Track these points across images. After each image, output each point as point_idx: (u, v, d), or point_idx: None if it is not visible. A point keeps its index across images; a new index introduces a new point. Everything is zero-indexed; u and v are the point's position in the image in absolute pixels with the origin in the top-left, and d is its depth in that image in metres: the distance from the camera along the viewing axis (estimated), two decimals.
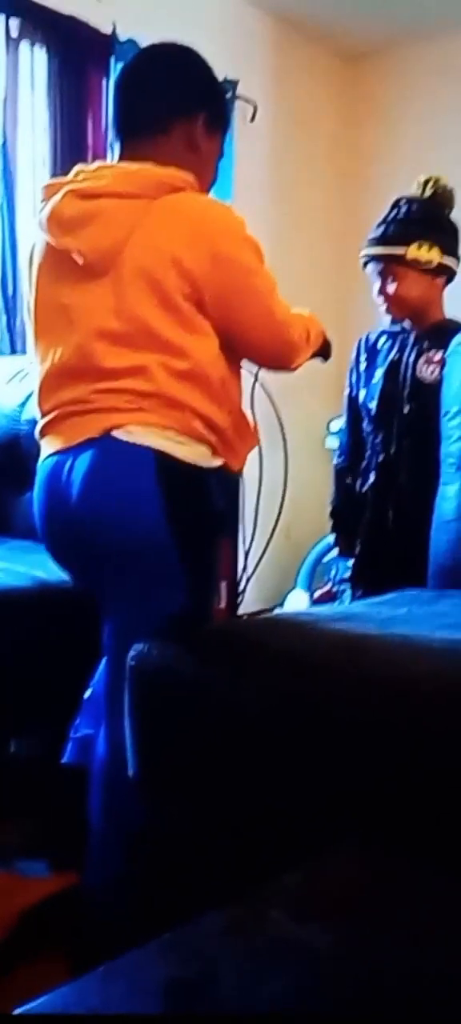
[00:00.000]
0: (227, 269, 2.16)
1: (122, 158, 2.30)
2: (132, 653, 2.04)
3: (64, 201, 2.19)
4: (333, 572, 5.44)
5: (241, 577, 2.65)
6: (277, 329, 2.29)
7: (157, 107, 2.28)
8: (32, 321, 2.33)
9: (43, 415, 2.30)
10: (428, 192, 3.20)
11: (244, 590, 2.67)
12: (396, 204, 3.21)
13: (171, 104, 2.29)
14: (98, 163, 2.37)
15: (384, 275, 3.19)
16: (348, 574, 3.51)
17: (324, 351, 2.49)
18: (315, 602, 5.49)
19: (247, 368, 2.41)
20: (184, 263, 2.12)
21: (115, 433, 2.14)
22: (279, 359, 2.37)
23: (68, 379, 2.21)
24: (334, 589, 5.36)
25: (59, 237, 2.20)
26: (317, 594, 5.56)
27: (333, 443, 5.38)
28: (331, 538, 3.73)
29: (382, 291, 3.20)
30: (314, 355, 2.50)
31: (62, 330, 2.22)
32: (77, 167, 2.34)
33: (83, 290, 2.19)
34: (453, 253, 3.20)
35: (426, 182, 3.21)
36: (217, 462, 2.24)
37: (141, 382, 2.13)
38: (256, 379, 2.57)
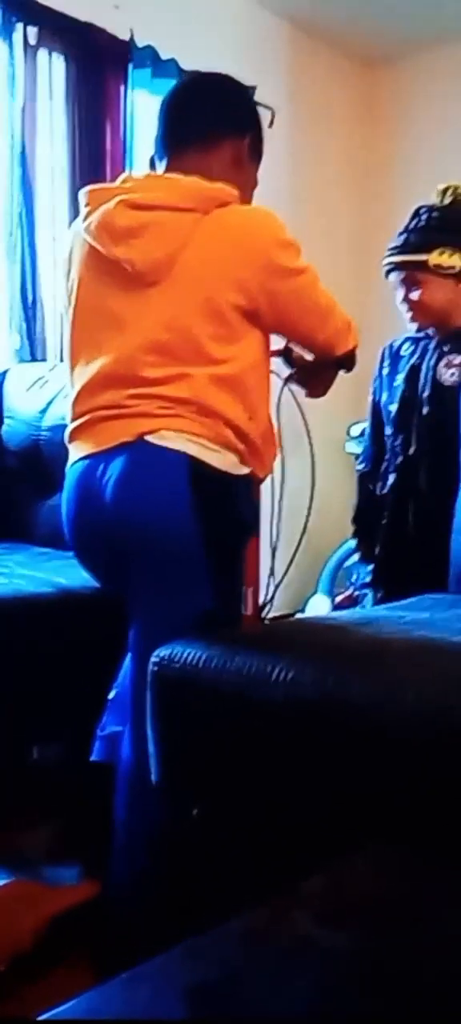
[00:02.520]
0: (279, 276, 2.25)
1: (169, 171, 2.35)
2: (154, 658, 2.04)
3: (116, 210, 2.23)
4: (354, 577, 5.43)
5: (269, 584, 2.66)
6: (322, 318, 2.38)
7: (210, 121, 2.37)
8: (70, 325, 2.37)
9: (74, 418, 2.33)
10: (447, 199, 3.21)
11: (273, 597, 2.68)
12: (416, 213, 3.22)
13: (223, 120, 2.39)
14: (147, 172, 2.45)
15: (407, 283, 3.20)
16: (369, 578, 3.51)
17: (348, 361, 2.50)
18: (336, 607, 5.48)
19: (277, 371, 2.51)
20: (238, 277, 2.20)
21: (149, 438, 2.18)
22: (326, 346, 2.43)
23: (107, 385, 2.24)
24: (355, 593, 5.36)
25: (110, 247, 2.24)
26: (338, 599, 5.55)
27: (353, 447, 5.38)
28: (352, 543, 3.73)
29: (406, 299, 3.21)
30: (339, 365, 2.50)
31: (108, 337, 2.25)
32: (124, 175, 2.42)
33: (132, 299, 2.23)
34: None
35: (445, 190, 3.22)
36: (245, 470, 2.28)
37: (176, 388, 2.18)
38: (286, 384, 2.59)
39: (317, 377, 2.56)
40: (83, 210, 2.32)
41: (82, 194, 2.35)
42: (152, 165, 2.43)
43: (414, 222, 3.20)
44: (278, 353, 2.53)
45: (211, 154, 2.34)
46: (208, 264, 2.20)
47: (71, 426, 2.34)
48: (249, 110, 2.50)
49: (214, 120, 2.37)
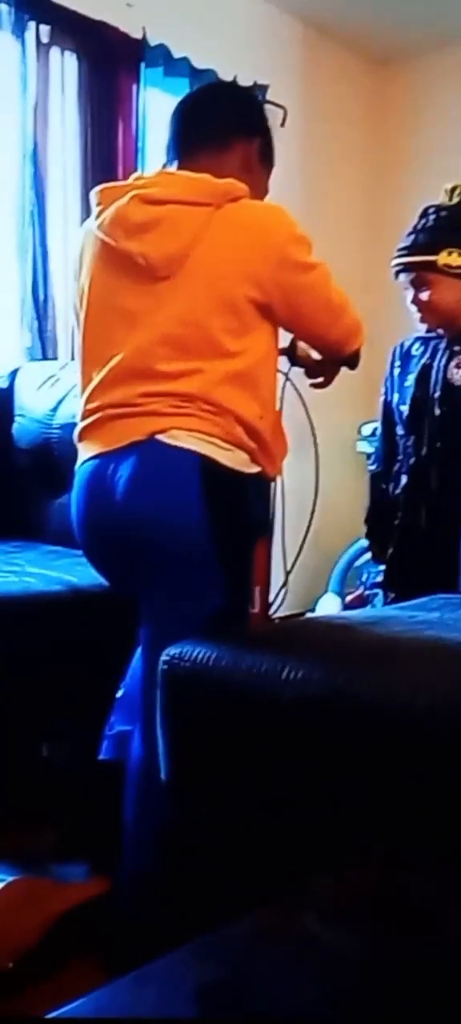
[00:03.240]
0: (292, 271, 2.26)
1: (181, 169, 2.36)
2: (164, 656, 2.04)
3: (130, 205, 2.24)
4: (364, 576, 5.44)
5: (285, 582, 2.67)
6: (335, 315, 2.38)
7: (220, 123, 2.40)
8: (82, 322, 2.37)
9: (85, 416, 2.32)
10: (455, 199, 3.20)
11: (279, 596, 2.69)
12: (424, 213, 3.22)
13: (233, 122, 2.41)
14: (159, 169, 2.46)
15: (416, 284, 3.19)
16: (380, 578, 3.51)
17: (353, 360, 2.50)
18: (346, 606, 5.48)
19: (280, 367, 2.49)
20: (252, 270, 2.20)
21: (160, 437, 2.17)
22: (337, 344, 2.44)
23: (119, 381, 2.24)
24: (365, 593, 5.36)
25: (123, 241, 2.24)
26: (348, 598, 5.56)
27: (364, 447, 5.38)
28: (363, 542, 3.72)
29: (415, 300, 3.20)
30: (343, 363, 2.51)
31: (121, 334, 2.25)
32: (136, 173, 2.42)
33: (145, 294, 2.23)
34: None
35: (453, 189, 3.21)
36: (255, 468, 2.28)
37: (188, 384, 2.18)
38: (287, 378, 2.59)
39: (321, 371, 2.56)
40: (95, 209, 2.33)
41: (93, 194, 2.36)
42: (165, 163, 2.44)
43: (422, 222, 3.20)
44: (284, 352, 2.53)
45: (221, 156, 2.35)
46: (222, 258, 2.20)
47: (81, 424, 2.33)
48: (259, 115, 2.52)
49: (224, 123, 2.40)
